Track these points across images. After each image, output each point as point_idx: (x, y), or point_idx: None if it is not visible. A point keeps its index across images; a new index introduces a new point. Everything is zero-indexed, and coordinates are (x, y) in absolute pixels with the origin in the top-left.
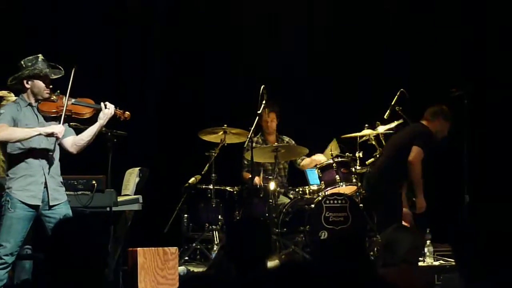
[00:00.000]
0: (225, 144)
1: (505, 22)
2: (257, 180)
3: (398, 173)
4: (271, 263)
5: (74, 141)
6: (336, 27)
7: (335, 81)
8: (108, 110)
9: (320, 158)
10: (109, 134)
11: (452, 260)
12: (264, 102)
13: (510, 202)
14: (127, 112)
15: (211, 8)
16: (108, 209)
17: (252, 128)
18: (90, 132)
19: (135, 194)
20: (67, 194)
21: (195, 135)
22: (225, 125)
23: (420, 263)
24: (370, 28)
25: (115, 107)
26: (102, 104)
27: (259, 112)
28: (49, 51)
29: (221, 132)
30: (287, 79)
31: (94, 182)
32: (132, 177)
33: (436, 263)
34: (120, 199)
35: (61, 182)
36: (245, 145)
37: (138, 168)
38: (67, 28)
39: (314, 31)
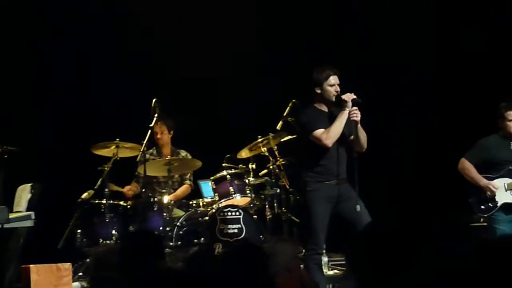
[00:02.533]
0: (118, 158)
1: None
2: (126, 188)
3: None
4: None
5: None
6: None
7: (229, 90)
8: None
9: None
10: None
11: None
12: (156, 115)
13: (397, 204)
14: None
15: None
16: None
17: (145, 142)
18: None
19: (27, 211)
20: None
21: (87, 150)
22: (118, 139)
23: None
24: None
25: None
26: None
27: (151, 125)
28: None
29: (114, 147)
30: (180, 90)
31: None
32: (24, 193)
33: (331, 272)
34: (12, 215)
35: None
36: (137, 159)
37: (30, 184)
38: None
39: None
